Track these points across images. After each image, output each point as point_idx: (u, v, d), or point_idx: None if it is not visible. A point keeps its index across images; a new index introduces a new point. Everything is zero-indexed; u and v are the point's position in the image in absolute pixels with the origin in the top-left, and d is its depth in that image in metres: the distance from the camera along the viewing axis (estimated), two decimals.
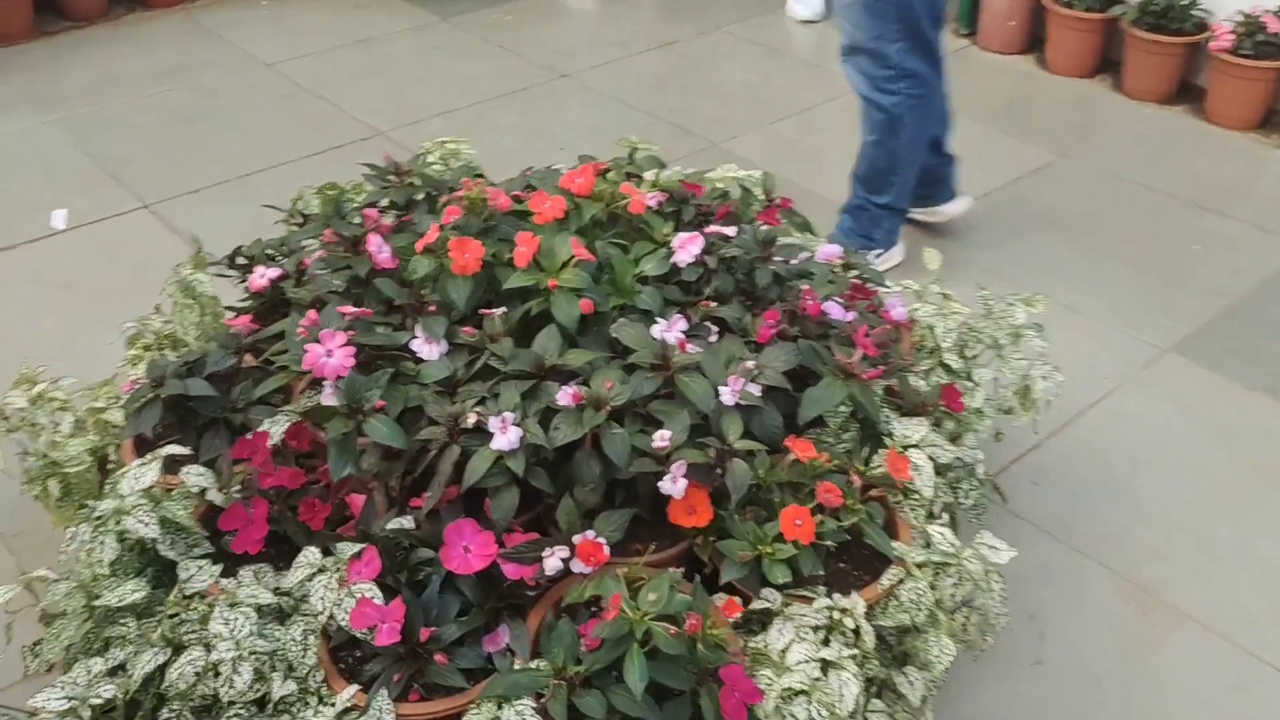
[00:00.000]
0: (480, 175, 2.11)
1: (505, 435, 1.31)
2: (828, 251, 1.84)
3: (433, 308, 1.49)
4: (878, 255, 2.54)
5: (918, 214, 2.75)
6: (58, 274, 2.72)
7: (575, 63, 3.78)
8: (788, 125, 3.39)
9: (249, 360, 1.67)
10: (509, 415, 1.32)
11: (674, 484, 1.32)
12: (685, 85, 3.67)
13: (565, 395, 1.33)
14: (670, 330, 1.53)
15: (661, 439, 1.33)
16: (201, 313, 1.87)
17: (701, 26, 4.07)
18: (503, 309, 1.49)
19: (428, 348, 1.46)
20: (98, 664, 1.33)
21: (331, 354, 1.40)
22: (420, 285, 1.52)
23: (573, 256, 1.50)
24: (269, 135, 3.32)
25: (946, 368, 1.81)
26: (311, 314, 1.45)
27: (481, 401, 1.38)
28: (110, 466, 1.71)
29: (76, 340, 2.46)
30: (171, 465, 1.49)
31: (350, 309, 1.46)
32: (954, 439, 1.69)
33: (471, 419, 1.34)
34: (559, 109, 3.49)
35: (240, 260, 1.83)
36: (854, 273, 1.83)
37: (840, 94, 3.61)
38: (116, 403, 1.74)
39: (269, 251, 1.82)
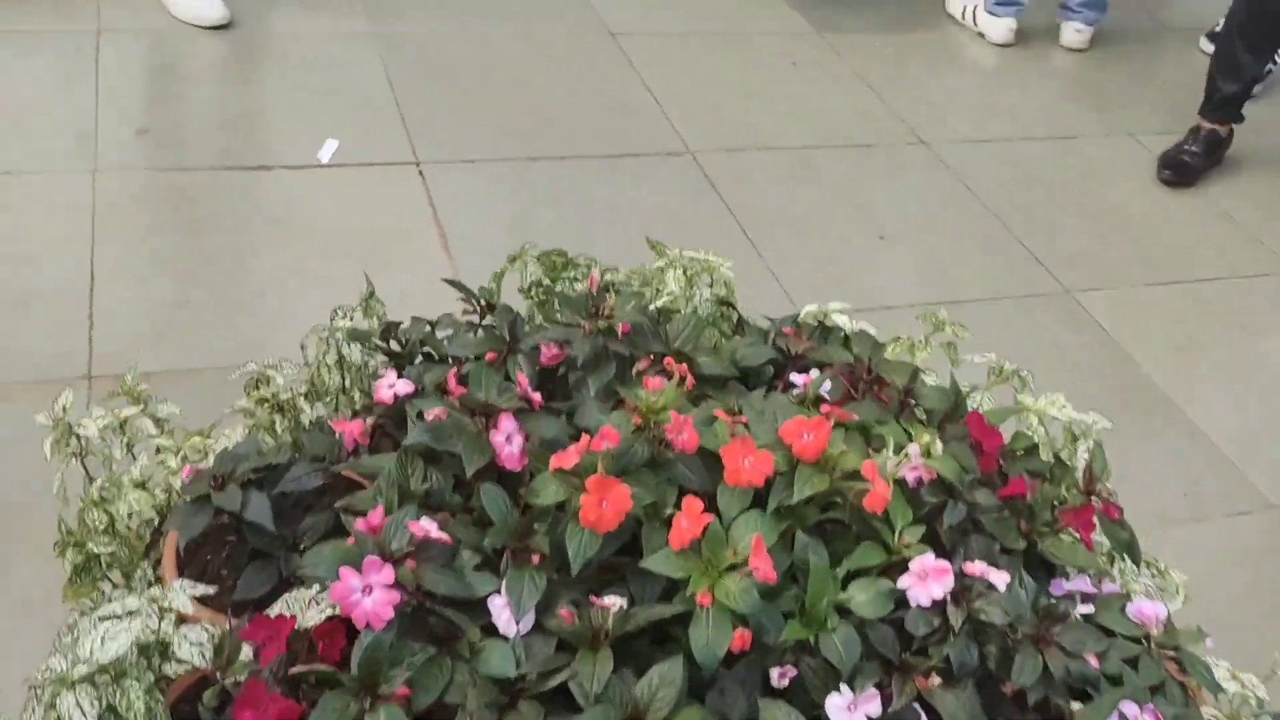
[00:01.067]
0: (729, 304, 1.64)
1: None
2: (1145, 611, 1.25)
3: (538, 557, 1.05)
4: None
5: None
6: (298, 212, 2.49)
7: (941, 128, 3.17)
8: (1171, 294, 2.67)
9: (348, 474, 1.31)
10: None
11: None
12: (1059, 197, 2.98)
13: None
14: (854, 711, 1.02)
15: None
16: (343, 383, 1.53)
17: (1111, 124, 3.33)
18: (622, 602, 1.02)
19: (504, 616, 1.03)
20: None
21: (370, 591, 1.00)
22: (539, 516, 1.08)
23: (748, 562, 1.01)
24: (573, 118, 2.96)
25: None
26: (375, 515, 1.05)
27: None
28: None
29: (270, 296, 2.23)
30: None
31: (428, 528, 1.05)
32: None
33: None
34: (898, 182, 2.92)
35: (394, 342, 1.45)
36: (1170, 651, 1.23)
37: (1270, 274, 2.81)
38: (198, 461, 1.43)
39: (427, 344, 1.44)
